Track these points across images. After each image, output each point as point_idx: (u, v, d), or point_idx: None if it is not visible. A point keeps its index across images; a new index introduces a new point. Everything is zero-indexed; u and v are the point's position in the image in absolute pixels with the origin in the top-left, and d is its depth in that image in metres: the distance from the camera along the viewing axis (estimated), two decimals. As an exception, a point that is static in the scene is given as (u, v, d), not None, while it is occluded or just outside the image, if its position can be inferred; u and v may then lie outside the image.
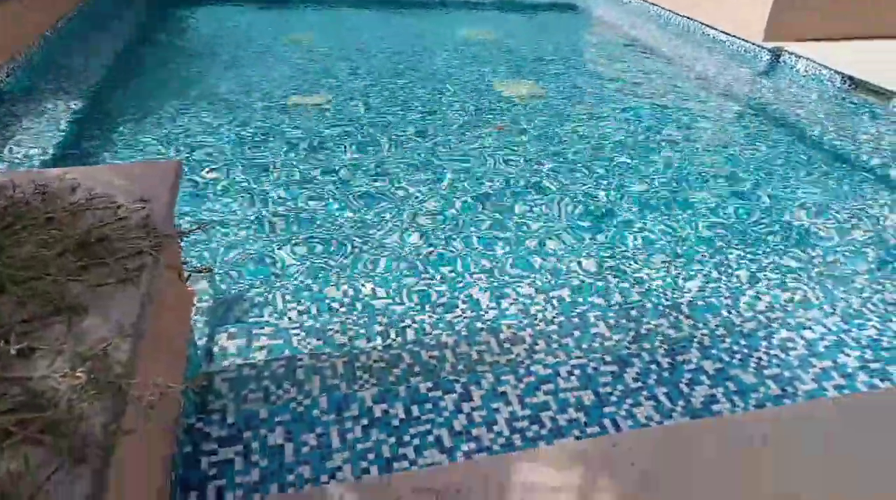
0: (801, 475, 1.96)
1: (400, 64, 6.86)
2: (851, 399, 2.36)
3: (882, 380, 2.48)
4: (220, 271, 3.36)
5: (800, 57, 6.82)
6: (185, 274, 2.10)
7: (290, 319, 3.05)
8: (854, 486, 1.94)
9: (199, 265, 3.08)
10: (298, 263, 3.44)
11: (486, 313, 3.08)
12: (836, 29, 7.25)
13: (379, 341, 2.85)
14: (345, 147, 4.78)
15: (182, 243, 2.26)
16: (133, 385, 1.33)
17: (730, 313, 3.05)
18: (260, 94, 5.78)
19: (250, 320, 3.06)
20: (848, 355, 2.59)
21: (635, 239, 3.70)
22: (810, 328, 2.77)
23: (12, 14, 5.92)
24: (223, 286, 3.26)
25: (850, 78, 6.17)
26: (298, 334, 2.91)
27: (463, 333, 2.91)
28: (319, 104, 5.59)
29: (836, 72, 6.33)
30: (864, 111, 5.72)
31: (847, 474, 1.97)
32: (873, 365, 2.55)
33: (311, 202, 4.03)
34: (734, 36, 7.60)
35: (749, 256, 3.54)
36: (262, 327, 2.95)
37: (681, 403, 2.36)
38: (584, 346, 2.82)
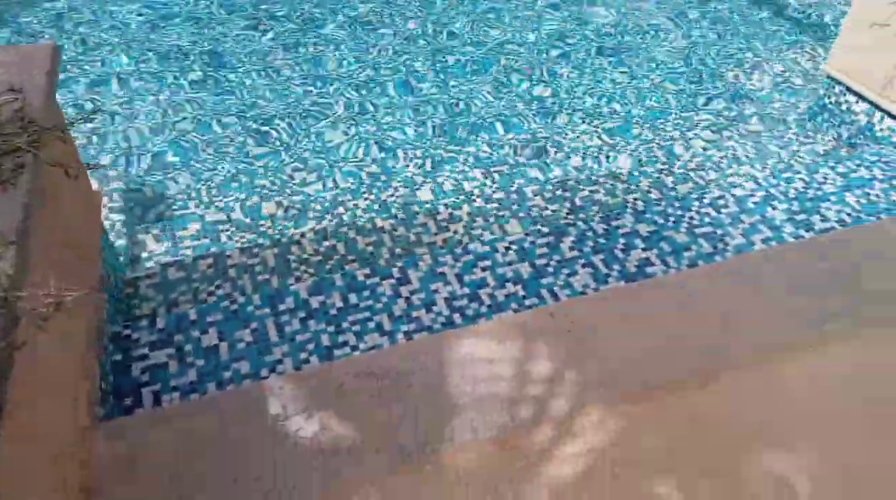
0: (730, 328, 2.03)
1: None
2: (777, 251, 2.43)
3: (807, 230, 2.55)
4: (136, 166, 3.13)
5: None
6: (75, 171, 1.90)
7: (216, 210, 2.88)
8: (780, 332, 2.03)
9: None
10: (223, 151, 3.22)
11: (422, 191, 2.99)
12: None
13: (312, 229, 2.75)
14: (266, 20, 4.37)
15: (73, 136, 2.03)
16: (22, 298, 1.20)
17: (662, 175, 3.05)
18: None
19: (174, 216, 2.89)
20: (775, 209, 2.65)
21: (570, 107, 3.59)
22: (741, 185, 2.80)
23: None
24: (140, 181, 3.04)
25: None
26: (227, 230, 2.78)
27: (400, 215, 2.83)
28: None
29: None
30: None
31: (773, 322, 2.06)
32: (799, 217, 2.62)
33: (230, 80, 3.72)
34: None
35: (683, 115, 3.51)
36: (187, 225, 2.80)
37: (616, 267, 2.38)
38: (522, 216, 2.80)
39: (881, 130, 3.12)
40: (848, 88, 3.26)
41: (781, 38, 4.25)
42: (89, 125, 3.27)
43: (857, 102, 3.23)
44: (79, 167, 2.04)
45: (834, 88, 3.36)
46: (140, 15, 4.39)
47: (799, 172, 2.87)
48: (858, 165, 2.91)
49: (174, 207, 2.92)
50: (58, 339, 1.53)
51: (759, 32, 4.33)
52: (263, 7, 4.50)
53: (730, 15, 4.57)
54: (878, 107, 3.11)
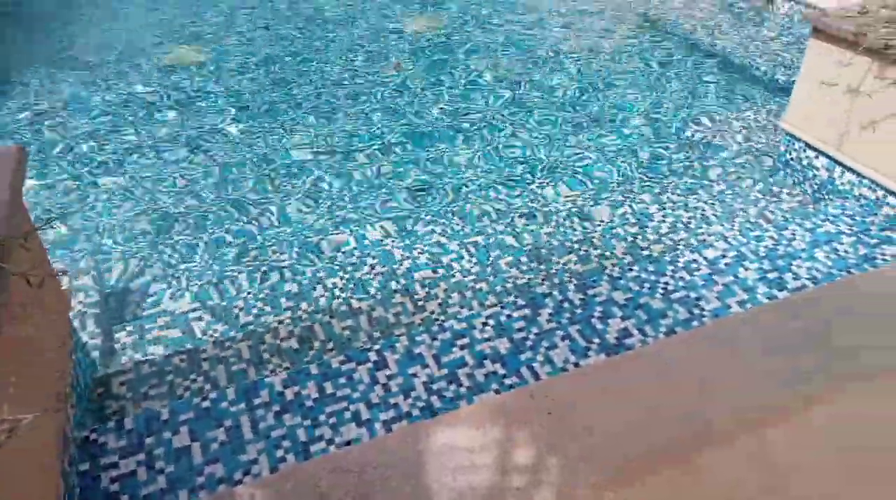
0: (707, 393, 2.01)
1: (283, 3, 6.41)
2: (751, 313, 2.44)
3: (780, 289, 2.57)
4: (109, 262, 3.10)
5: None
6: (38, 279, 1.86)
7: (189, 303, 2.85)
8: (756, 394, 2.01)
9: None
10: (193, 243, 3.22)
11: (400, 266, 2.99)
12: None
13: (287, 315, 2.72)
14: (228, 109, 4.45)
15: (38, 241, 2.01)
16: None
17: (635, 239, 3.08)
18: (128, 53, 5.26)
19: (147, 310, 2.85)
20: (747, 269, 2.67)
21: (542, 173, 3.65)
22: (712, 246, 2.83)
23: None
24: (111, 280, 3.01)
25: (736, -16, 6.24)
26: (200, 320, 2.74)
27: (377, 296, 2.81)
28: (197, 61, 5.15)
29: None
30: (751, 16, 5.82)
31: (750, 385, 2.04)
32: (771, 275, 2.64)
33: (197, 172, 3.75)
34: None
35: (651, 176, 3.57)
36: (160, 318, 2.76)
37: (595, 340, 2.37)
38: (498, 289, 2.80)
39: (843, 183, 3.19)
40: (807, 144, 3.35)
41: (740, 96, 4.40)
42: (58, 224, 3.25)
43: (816, 157, 3.32)
44: (45, 273, 2.01)
45: (794, 144, 3.45)
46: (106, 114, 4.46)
47: (767, 230, 2.92)
48: (825, 220, 2.97)
49: (147, 300, 2.88)
50: (17, 458, 1.48)
51: (717, 92, 4.49)
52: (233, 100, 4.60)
53: (690, 76, 4.74)
54: (836, 161, 3.20)
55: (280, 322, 2.66)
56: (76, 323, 2.58)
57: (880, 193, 3.01)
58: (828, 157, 3.24)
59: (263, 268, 3.02)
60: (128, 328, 2.68)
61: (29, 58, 5.20)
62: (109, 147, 4.00)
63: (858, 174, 3.10)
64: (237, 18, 6.11)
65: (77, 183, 3.66)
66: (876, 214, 3.01)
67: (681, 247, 3.00)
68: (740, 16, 5.86)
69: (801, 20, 5.32)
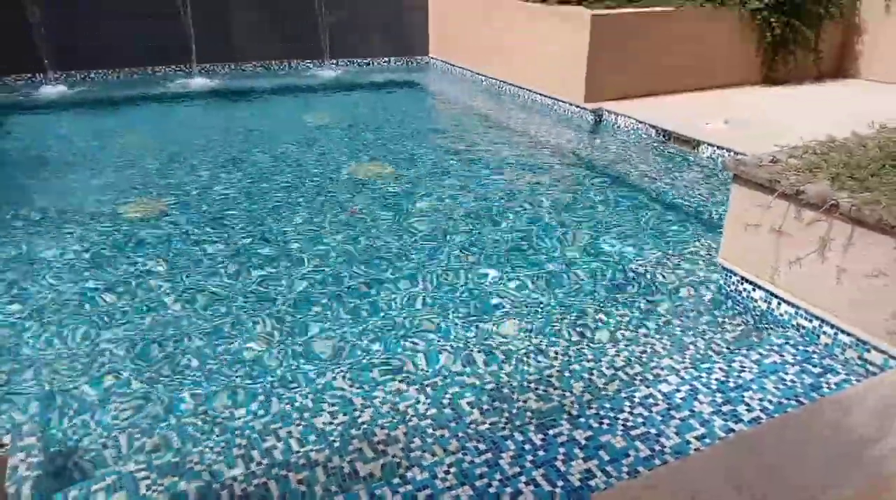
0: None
1: (241, 155, 6.69)
2: (712, 451, 2.46)
3: (735, 422, 2.62)
4: (53, 415, 2.95)
5: (619, 114, 7.51)
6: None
7: (137, 458, 2.70)
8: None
9: None
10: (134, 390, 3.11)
11: (360, 414, 2.93)
12: (646, 86, 8.10)
13: (239, 468, 2.60)
14: (199, 258, 4.49)
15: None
16: None
17: (593, 375, 3.13)
18: (91, 206, 5.32)
19: (92, 471, 2.68)
20: (702, 403, 2.73)
21: (497, 311, 3.74)
22: (665, 380, 2.90)
23: None
24: (56, 433, 2.84)
25: (664, 130, 6.86)
26: (146, 479, 2.58)
27: (335, 443, 2.73)
28: (156, 213, 5.24)
29: (651, 125, 7.03)
30: (679, 160, 6.36)
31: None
32: (725, 408, 2.70)
33: (145, 312, 3.70)
34: (560, 99, 8.24)
35: (603, 313, 3.70)
36: (105, 478, 2.59)
37: (560, 483, 2.33)
38: (460, 435, 2.76)
39: (782, 314, 3.38)
40: (743, 278, 3.57)
41: (676, 233, 4.72)
42: None
43: (753, 289, 3.52)
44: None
45: (731, 277, 3.67)
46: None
47: (717, 362, 3.02)
48: (769, 350, 3.10)
49: (91, 459, 2.72)
50: None
51: (654, 228, 4.80)
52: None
53: (626, 213, 5.07)
54: (772, 294, 3.40)
55: (234, 479, 2.53)
56: (12, 490, 2.40)
57: (816, 323, 3.19)
58: (764, 290, 3.45)
59: (218, 419, 2.92)
60: (72, 492, 2.50)
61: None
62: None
63: (794, 306, 3.29)
64: (199, 173, 6.32)
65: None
66: (816, 344, 3.16)
67: (637, 382, 3.06)
68: (670, 159, 6.41)
69: (722, 163, 5.83)
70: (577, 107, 7.95)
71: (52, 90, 9.03)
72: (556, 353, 3.35)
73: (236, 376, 3.20)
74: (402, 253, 4.46)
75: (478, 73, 9.90)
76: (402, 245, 4.58)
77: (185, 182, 5.89)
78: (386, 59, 11.06)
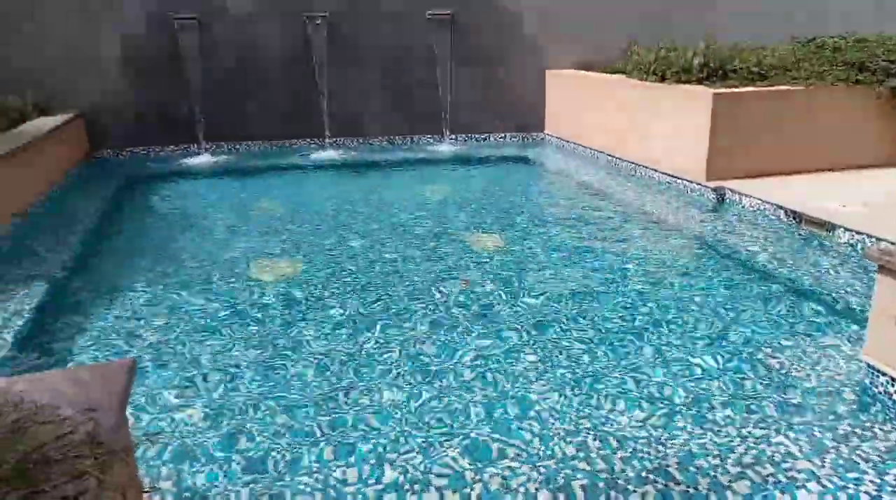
0: None
1: (365, 223, 7.05)
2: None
3: (889, 543, 2.34)
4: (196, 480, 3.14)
5: (743, 194, 7.22)
6: (134, 497, 1.92)
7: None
8: None
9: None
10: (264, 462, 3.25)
11: (471, 490, 2.89)
12: (771, 165, 7.77)
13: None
14: (317, 322, 4.73)
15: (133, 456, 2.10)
16: None
17: (717, 473, 2.91)
18: (224, 267, 5.78)
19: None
20: (849, 517, 2.46)
21: (613, 395, 3.61)
22: (804, 486, 2.65)
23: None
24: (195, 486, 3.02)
25: (794, 212, 6.51)
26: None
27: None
28: (287, 274, 5.60)
29: (779, 206, 6.69)
30: (812, 244, 5.97)
31: None
32: (877, 526, 2.42)
33: (278, 392, 3.90)
34: (678, 177, 8.07)
35: (730, 406, 3.47)
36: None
37: None
38: (573, 525, 2.64)
39: (941, 422, 3.01)
40: (892, 378, 3.24)
41: (812, 324, 4.38)
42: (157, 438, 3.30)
43: (906, 392, 3.19)
44: (138, 492, 2.07)
45: (879, 377, 3.34)
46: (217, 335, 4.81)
47: (866, 472, 2.72)
48: (928, 464, 2.76)
49: (214, 507, 2.85)
50: None
51: (788, 318, 4.49)
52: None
53: (757, 301, 4.79)
54: (930, 398, 3.05)
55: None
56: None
57: None
58: (919, 393, 3.11)
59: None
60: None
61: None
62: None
63: (956, 414, 2.93)
64: (328, 233, 6.73)
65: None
66: None
67: (769, 485, 2.81)
68: (803, 243, 6.03)
69: (863, 251, 5.41)
70: (698, 185, 7.75)
71: (202, 159, 10.09)
72: (677, 444, 3.16)
73: (353, 436, 3.27)
74: (513, 326, 4.45)
75: (593, 149, 9.96)
76: (514, 319, 4.58)
77: (312, 247, 6.28)
78: (502, 135, 11.40)
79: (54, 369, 3.70)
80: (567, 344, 4.19)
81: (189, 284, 5.33)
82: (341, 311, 4.77)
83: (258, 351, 4.18)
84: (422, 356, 4.07)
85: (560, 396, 3.60)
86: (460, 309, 4.76)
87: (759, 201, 6.97)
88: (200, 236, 6.67)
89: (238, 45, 10.19)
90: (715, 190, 7.50)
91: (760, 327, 4.35)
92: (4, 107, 8.31)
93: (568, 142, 10.71)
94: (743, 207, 7.18)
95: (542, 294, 4.99)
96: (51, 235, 6.52)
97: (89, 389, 2.06)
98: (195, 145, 10.38)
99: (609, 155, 9.55)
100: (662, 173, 8.37)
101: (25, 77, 9.31)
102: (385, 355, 4.10)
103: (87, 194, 8.20)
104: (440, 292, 5.09)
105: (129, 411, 3.55)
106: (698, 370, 3.84)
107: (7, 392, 2.02)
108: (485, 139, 11.35)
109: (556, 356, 4.03)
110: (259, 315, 4.71)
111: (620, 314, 4.61)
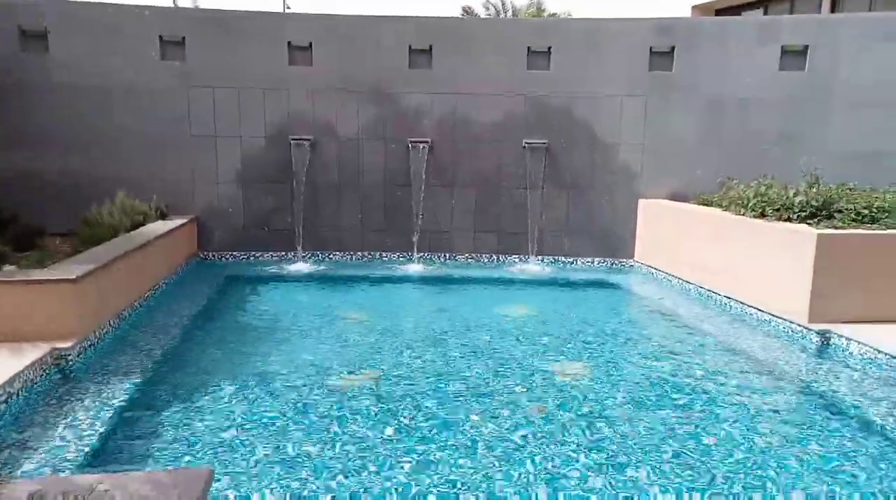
0: None
1: (441, 338, 7.07)
2: None
3: None
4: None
5: (850, 340, 6.71)
6: None
7: None
8: None
9: None
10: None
11: None
12: (882, 311, 7.24)
13: None
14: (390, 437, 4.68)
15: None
16: None
17: None
18: (309, 377, 5.86)
19: None
20: None
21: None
22: None
23: (98, 290, 6.46)
24: None
25: (911, 364, 5.95)
26: None
27: None
28: (366, 383, 5.63)
29: (893, 356, 6.15)
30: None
31: None
32: None
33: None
34: (777, 316, 7.65)
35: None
36: None
37: None
38: None
39: None
40: None
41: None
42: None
43: None
44: None
45: None
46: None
47: None
48: None
49: None
50: None
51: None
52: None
53: (870, 460, 4.30)
54: None
55: None
56: None
57: None
58: None
59: None
60: None
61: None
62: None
63: None
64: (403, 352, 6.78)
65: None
66: None
67: None
68: (922, 399, 5.45)
69: None
70: (800, 326, 7.29)
71: (298, 267, 10.62)
72: None
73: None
74: (593, 468, 4.19)
75: (685, 281, 9.68)
76: (592, 457, 4.31)
77: (389, 361, 6.31)
78: (590, 259, 11.34)
79: (136, 471, 3.79)
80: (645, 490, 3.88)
81: (274, 390, 5.45)
82: (406, 430, 4.68)
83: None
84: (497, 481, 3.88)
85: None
86: (532, 436, 4.55)
87: (871, 349, 6.44)
88: (283, 340, 6.89)
89: (344, 163, 10.96)
90: (819, 333, 7.03)
91: (873, 491, 3.87)
92: (133, 210, 9.21)
93: (659, 270, 10.49)
94: (850, 353, 6.65)
95: (624, 428, 4.71)
96: (150, 329, 6.95)
97: (168, 493, 2.09)
98: (292, 252, 10.97)
99: (701, 287, 9.24)
100: (758, 309, 7.97)
101: (158, 184, 10.36)
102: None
103: (192, 292, 8.76)
104: (512, 415, 4.92)
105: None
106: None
107: (93, 490, 2.09)
108: (572, 263, 11.32)
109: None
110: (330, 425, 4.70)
111: (712, 460, 4.25)
